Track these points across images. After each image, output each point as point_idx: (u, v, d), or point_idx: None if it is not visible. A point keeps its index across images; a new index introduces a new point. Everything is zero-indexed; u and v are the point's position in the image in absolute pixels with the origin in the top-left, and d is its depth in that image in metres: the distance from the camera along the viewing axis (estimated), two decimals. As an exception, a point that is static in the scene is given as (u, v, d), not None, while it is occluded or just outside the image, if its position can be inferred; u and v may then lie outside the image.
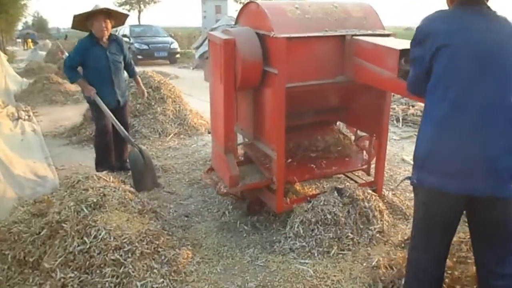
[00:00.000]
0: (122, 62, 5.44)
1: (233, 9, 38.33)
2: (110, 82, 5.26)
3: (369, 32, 3.91)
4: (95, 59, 5.14)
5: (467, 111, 2.23)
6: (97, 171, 5.05)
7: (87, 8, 5.23)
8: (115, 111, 5.25)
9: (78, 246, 3.26)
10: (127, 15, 5.61)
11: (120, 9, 6.27)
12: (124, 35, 21.32)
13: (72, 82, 5.39)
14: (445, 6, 2.53)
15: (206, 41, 4.62)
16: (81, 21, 5.18)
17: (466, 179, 2.25)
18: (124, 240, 3.31)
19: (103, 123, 5.30)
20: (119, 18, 5.45)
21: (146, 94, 6.01)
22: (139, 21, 45.47)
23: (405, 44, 3.38)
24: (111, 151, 5.50)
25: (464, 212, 2.51)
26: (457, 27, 2.30)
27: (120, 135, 5.33)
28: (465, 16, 2.34)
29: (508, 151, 2.25)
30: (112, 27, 5.28)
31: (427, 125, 2.38)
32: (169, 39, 21.75)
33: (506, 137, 2.24)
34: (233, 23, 4.44)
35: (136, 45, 20.09)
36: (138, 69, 6.31)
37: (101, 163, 5.43)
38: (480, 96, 2.22)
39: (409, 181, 2.53)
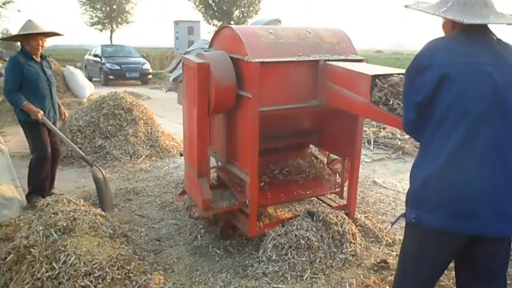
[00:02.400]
0: (54, 77, 5.36)
1: (205, 30, 38.52)
2: (50, 97, 5.17)
3: (342, 57, 3.96)
4: (33, 74, 4.99)
5: (475, 149, 2.12)
6: (31, 201, 4.94)
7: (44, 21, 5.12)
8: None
9: (47, 272, 3.18)
10: (61, 35, 5.41)
11: (58, 31, 6.00)
12: (96, 55, 21.20)
13: (17, 107, 4.95)
14: (418, 28, 2.49)
15: (180, 64, 4.60)
16: (16, 37, 5.12)
17: (473, 219, 2.14)
18: (95, 266, 3.24)
19: (46, 152, 5.11)
20: (50, 34, 5.28)
21: (67, 115, 5.85)
22: (111, 41, 45.18)
23: (378, 69, 3.44)
24: (49, 178, 5.32)
25: None
26: (462, 60, 2.16)
27: (52, 162, 5.27)
28: (470, 47, 2.21)
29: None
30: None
31: (431, 163, 2.23)
32: (141, 60, 21.61)
33: (510, 176, 2.15)
34: (208, 46, 4.45)
35: (108, 65, 19.91)
36: (109, 89, 6.24)
37: (38, 191, 5.13)
38: (487, 134, 2.11)
39: (403, 218, 2.43)
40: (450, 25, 2.35)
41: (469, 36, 2.24)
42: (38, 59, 5.11)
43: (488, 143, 2.12)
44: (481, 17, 2.18)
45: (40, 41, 5.01)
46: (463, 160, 2.13)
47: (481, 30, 2.25)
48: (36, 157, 5.16)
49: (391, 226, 4.58)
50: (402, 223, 2.58)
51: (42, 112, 4.93)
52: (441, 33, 2.45)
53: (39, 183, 5.16)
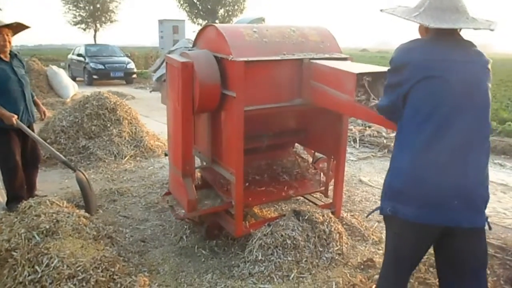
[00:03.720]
0: (28, 77, 5.07)
1: (190, 29, 38.36)
2: (23, 99, 4.86)
3: (326, 55, 3.96)
4: (1, 76, 4.67)
5: (446, 142, 2.22)
6: (11, 209, 4.58)
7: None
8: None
9: (29, 275, 3.13)
10: (27, 27, 4.98)
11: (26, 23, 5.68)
12: (80, 55, 21.00)
13: None
14: (402, 31, 2.57)
15: (164, 64, 4.56)
16: None
17: (445, 210, 2.24)
18: (78, 268, 3.20)
19: (14, 162, 4.83)
20: (18, 29, 4.96)
21: (48, 114, 5.52)
22: (95, 40, 44.80)
23: (362, 67, 3.44)
24: (24, 186, 5.06)
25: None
26: (437, 58, 2.27)
27: (31, 167, 5.15)
28: (443, 47, 2.32)
29: (483, 181, 2.29)
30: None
31: (404, 155, 2.34)
32: (126, 59, 21.43)
33: (481, 168, 2.28)
34: (191, 45, 4.41)
35: (92, 64, 19.72)
36: (93, 89, 6.11)
37: (16, 200, 4.77)
38: (458, 128, 2.22)
39: (378, 212, 2.51)
40: (424, 29, 2.47)
41: (441, 38, 2.35)
42: (7, 58, 4.79)
43: (458, 136, 2.23)
44: (450, 22, 2.29)
45: (5, 36, 4.67)
46: (433, 152, 2.24)
47: (451, 34, 2.36)
48: (2, 166, 4.96)
49: (366, 217, 4.66)
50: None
51: (16, 117, 4.68)
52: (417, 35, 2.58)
53: (14, 191, 4.95)
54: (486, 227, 2.41)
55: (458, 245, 2.38)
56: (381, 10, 2.62)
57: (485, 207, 2.33)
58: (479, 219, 2.30)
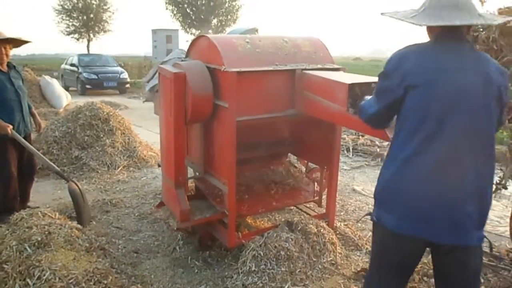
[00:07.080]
0: (25, 88, 5.10)
1: (183, 39, 38.38)
2: (20, 110, 4.89)
3: (319, 66, 3.97)
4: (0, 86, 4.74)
5: (431, 154, 2.13)
6: (2, 220, 4.43)
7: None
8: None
9: (20, 288, 3.10)
10: (27, 41, 5.06)
11: (25, 37, 5.68)
12: (73, 64, 20.95)
13: None
14: (395, 39, 2.53)
15: (157, 74, 4.56)
16: None
17: (424, 224, 2.17)
18: (70, 281, 3.18)
19: (9, 172, 4.81)
20: (16, 43, 5.01)
21: (44, 126, 5.54)
22: (88, 50, 44.70)
23: (354, 78, 3.45)
24: (18, 197, 5.03)
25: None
26: (430, 65, 2.17)
27: (26, 178, 5.12)
28: (440, 53, 2.22)
29: (470, 198, 2.15)
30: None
31: (391, 165, 2.30)
32: (119, 69, 21.37)
33: (468, 183, 2.14)
34: (184, 56, 4.42)
35: (85, 74, 19.67)
36: (86, 99, 6.09)
37: (8, 211, 4.62)
38: (446, 140, 2.11)
39: (369, 217, 2.49)
40: (429, 32, 2.34)
41: (441, 43, 2.24)
42: (5, 69, 4.84)
43: (444, 149, 2.13)
44: (446, 20, 2.16)
45: (3, 49, 4.74)
46: (418, 164, 2.17)
47: (454, 36, 2.23)
48: None
49: (357, 222, 4.77)
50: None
51: (11, 127, 4.69)
52: (418, 39, 2.47)
53: (7, 202, 4.89)
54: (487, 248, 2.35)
55: (448, 260, 2.30)
56: (382, 14, 2.49)
57: (475, 225, 2.20)
58: (464, 237, 2.18)
